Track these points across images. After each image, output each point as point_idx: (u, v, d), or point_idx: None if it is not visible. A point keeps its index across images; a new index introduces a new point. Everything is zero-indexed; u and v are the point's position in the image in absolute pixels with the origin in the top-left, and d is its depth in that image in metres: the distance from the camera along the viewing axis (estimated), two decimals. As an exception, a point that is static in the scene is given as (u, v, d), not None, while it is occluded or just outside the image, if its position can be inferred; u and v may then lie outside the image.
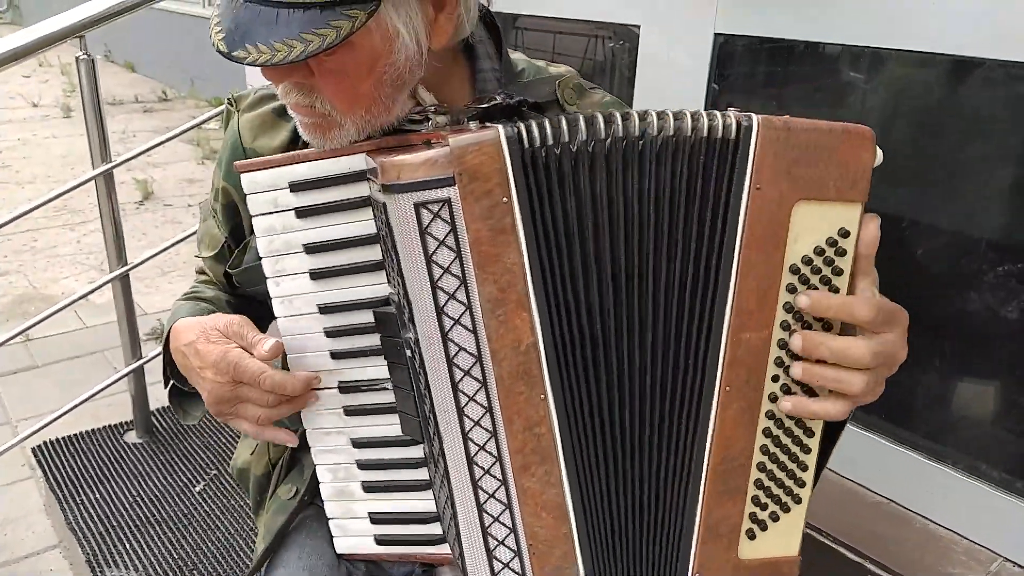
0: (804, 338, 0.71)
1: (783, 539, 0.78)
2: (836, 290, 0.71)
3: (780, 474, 0.76)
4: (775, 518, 0.78)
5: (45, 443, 2.33)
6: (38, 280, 3.65)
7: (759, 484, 0.76)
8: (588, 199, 0.72)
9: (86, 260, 3.88)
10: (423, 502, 0.87)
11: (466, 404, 0.75)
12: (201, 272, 1.11)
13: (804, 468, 0.76)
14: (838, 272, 0.71)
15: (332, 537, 0.93)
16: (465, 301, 0.72)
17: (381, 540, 0.90)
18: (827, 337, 0.71)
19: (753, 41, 1.66)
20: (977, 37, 1.33)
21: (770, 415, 0.75)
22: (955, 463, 1.52)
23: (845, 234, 0.71)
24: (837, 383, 0.72)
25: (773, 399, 0.74)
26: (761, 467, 0.76)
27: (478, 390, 0.74)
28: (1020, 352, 1.43)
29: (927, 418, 1.59)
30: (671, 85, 1.79)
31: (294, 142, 0.95)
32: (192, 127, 2.27)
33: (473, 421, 0.75)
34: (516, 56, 1.00)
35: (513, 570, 0.78)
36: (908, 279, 1.52)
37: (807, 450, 0.76)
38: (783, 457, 0.76)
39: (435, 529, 0.88)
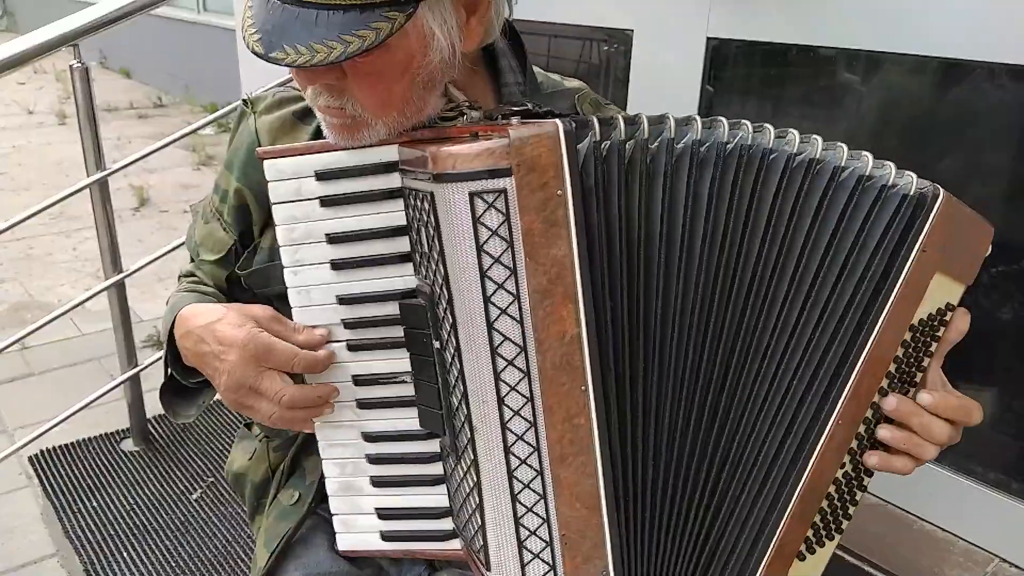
0: (900, 402, 0.76)
1: (817, 564, 0.82)
2: (930, 355, 0.77)
3: (836, 504, 0.79)
4: (821, 544, 0.80)
5: (42, 451, 2.33)
6: (34, 288, 3.65)
7: (821, 513, 0.79)
8: (671, 199, 0.73)
9: (82, 267, 3.88)
10: (434, 497, 0.87)
11: (507, 394, 0.75)
12: (188, 276, 1.07)
13: (855, 503, 0.80)
14: (935, 339, 0.77)
15: (330, 543, 0.93)
16: (514, 291, 0.72)
17: (387, 536, 0.90)
18: (919, 410, 0.76)
19: (746, 45, 1.67)
20: (971, 40, 1.33)
21: (850, 452, 0.78)
22: (953, 465, 1.52)
23: (950, 308, 0.77)
24: (915, 449, 0.76)
25: (858, 439, 0.77)
26: (828, 497, 0.79)
27: (520, 380, 0.74)
28: (1017, 355, 1.43)
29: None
30: (665, 89, 1.80)
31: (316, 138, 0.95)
32: (188, 133, 2.27)
33: (513, 411, 0.75)
34: (535, 71, 1.00)
35: (543, 560, 0.78)
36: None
37: (863, 488, 0.80)
38: (843, 491, 0.79)
39: (444, 525, 0.88)
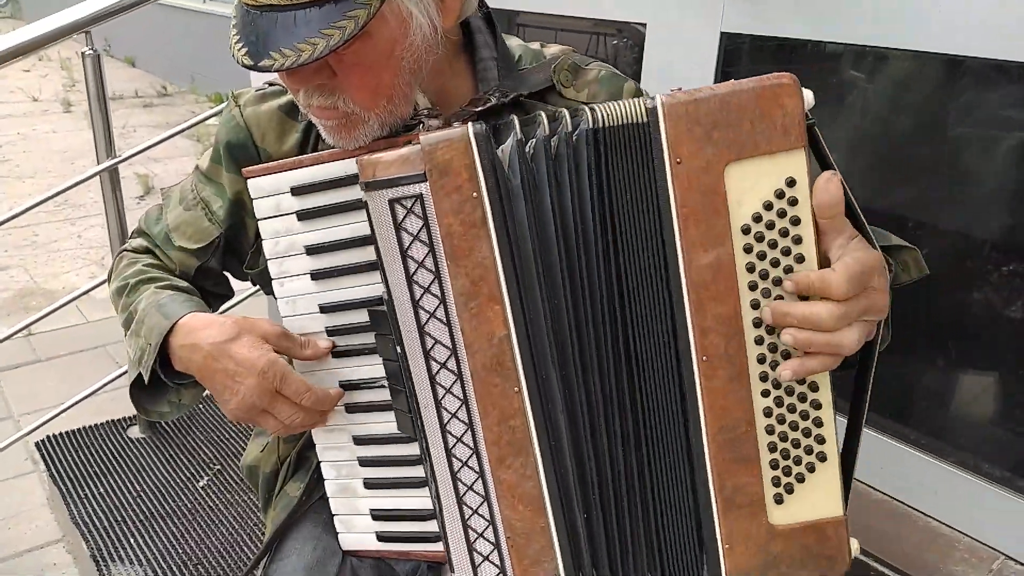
0: (772, 310, 0.71)
1: (819, 500, 0.76)
2: (799, 239, 0.70)
3: (794, 435, 0.75)
4: (801, 479, 0.76)
5: (48, 438, 2.34)
6: (39, 275, 3.65)
7: (772, 448, 0.75)
8: (544, 195, 0.74)
9: (87, 255, 3.88)
10: (420, 499, 0.88)
11: (443, 396, 0.77)
12: (145, 253, 1.03)
13: (819, 424, 0.75)
14: (795, 222, 0.70)
15: (333, 536, 0.94)
16: (439, 294, 0.74)
17: (382, 537, 0.91)
18: (792, 305, 0.70)
19: (759, 40, 1.66)
20: (984, 37, 1.33)
21: (763, 377, 0.74)
22: (957, 461, 1.53)
23: (792, 183, 0.69)
24: (826, 345, 0.70)
25: (761, 361, 0.74)
26: (770, 430, 0.75)
27: (454, 382, 0.76)
28: (1022, 350, 1.43)
29: (929, 416, 1.60)
30: (677, 84, 1.79)
31: (304, 144, 0.96)
32: (197, 123, 2.27)
33: (450, 413, 0.77)
34: (512, 43, 1.00)
35: (492, 563, 0.80)
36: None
37: (817, 405, 0.75)
38: (792, 417, 0.75)
39: (433, 527, 0.89)
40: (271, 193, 0.85)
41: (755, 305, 0.72)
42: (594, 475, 0.78)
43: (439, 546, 0.89)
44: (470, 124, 0.73)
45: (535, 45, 1.02)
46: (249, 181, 0.85)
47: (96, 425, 2.41)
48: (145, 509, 2.07)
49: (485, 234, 0.73)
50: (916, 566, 1.45)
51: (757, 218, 0.70)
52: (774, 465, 0.76)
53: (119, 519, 2.03)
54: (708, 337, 0.73)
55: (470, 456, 0.77)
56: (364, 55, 0.77)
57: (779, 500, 0.77)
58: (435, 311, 0.75)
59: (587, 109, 0.73)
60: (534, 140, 0.73)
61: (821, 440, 0.75)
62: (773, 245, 0.71)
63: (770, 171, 0.69)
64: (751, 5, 1.63)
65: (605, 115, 0.72)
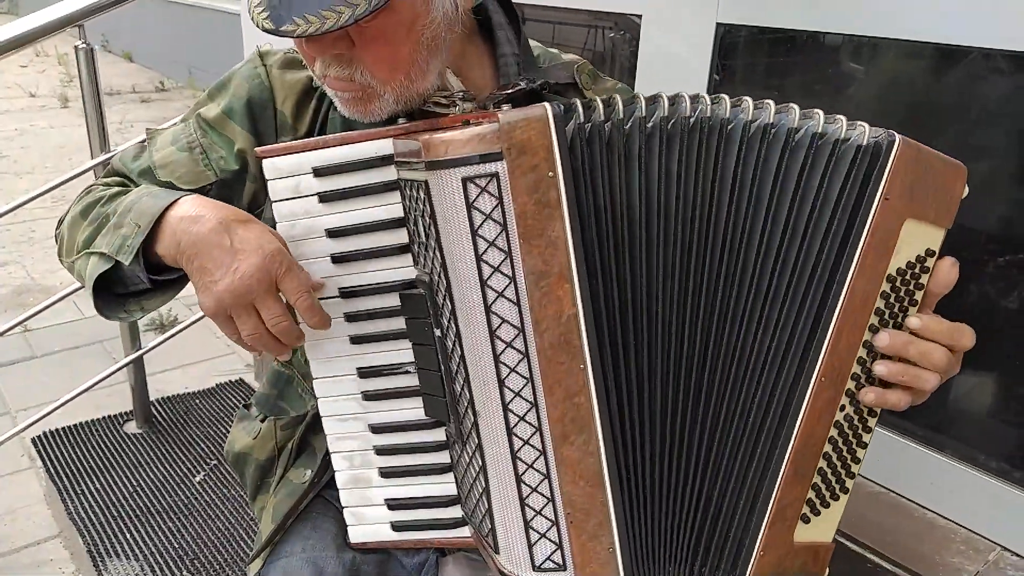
0: (891, 336, 0.75)
1: (826, 526, 0.81)
2: (915, 303, 0.77)
3: (837, 462, 0.79)
4: (825, 505, 0.80)
5: (45, 433, 2.34)
6: (36, 271, 3.64)
7: (820, 472, 0.79)
8: (646, 176, 0.74)
9: (84, 251, 3.87)
10: (442, 486, 0.88)
11: (507, 375, 0.75)
12: (119, 187, 0.95)
13: (856, 461, 0.80)
14: (919, 286, 0.77)
15: (337, 530, 0.93)
16: (510, 273, 0.73)
17: (398, 526, 0.90)
18: (911, 338, 0.76)
19: (755, 31, 1.66)
20: (981, 27, 1.32)
21: (841, 408, 0.78)
22: (954, 453, 1.53)
23: (931, 254, 0.76)
24: (916, 380, 0.76)
25: (848, 395, 0.77)
26: (826, 456, 0.79)
27: (520, 361, 0.75)
28: (1020, 342, 1.43)
29: (926, 408, 1.59)
30: (673, 75, 1.79)
31: (314, 123, 0.95)
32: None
33: (514, 392, 0.76)
34: (532, 44, 1.01)
35: (550, 539, 0.79)
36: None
37: (862, 444, 0.80)
38: (843, 447, 0.79)
39: (454, 512, 0.88)
40: (291, 174, 0.83)
41: (867, 345, 0.77)
42: (648, 456, 0.79)
43: (459, 531, 0.88)
44: (548, 104, 0.72)
45: (553, 50, 1.03)
46: (264, 162, 0.82)
47: (93, 421, 2.41)
48: (142, 505, 2.07)
49: (559, 214, 0.72)
50: (913, 558, 1.44)
51: (900, 272, 0.76)
52: (815, 487, 0.80)
53: (116, 515, 2.03)
54: (832, 360, 0.76)
55: (533, 434, 0.77)
56: (385, 28, 0.78)
57: (806, 520, 0.80)
58: (504, 290, 0.74)
59: (750, 102, 0.74)
60: (590, 125, 0.73)
61: (851, 474, 0.80)
62: (899, 299, 0.77)
63: (925, 237, 0.76)
64: (746, -4, 1.62)
65: (820, 124, 0.75)
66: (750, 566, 0.80)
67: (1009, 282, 1.42)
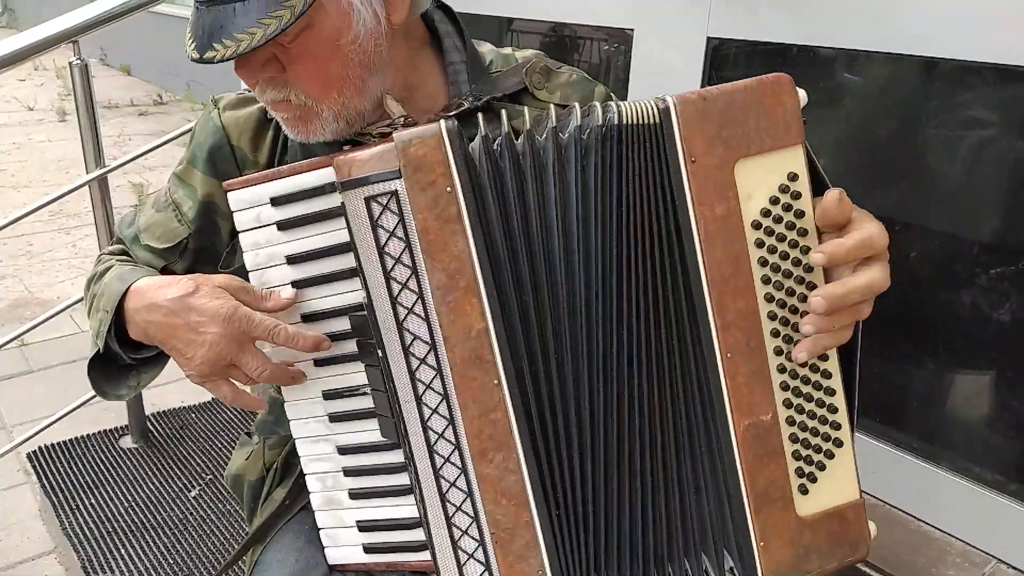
0: (825, 295, 0.69)
1: (839, 485, 0.78)
2: (804, 232, 0.73)
3: (812, 423, 0.76)
4: (822, 467, 0.77)
5: (40, 448, 2.33)
6: (33, 285, 3.64)
7: (794, 439, 0.76)
8: (532, 190, 0.74)
9: (81, 265, 3.87)
10: (406, 508, 0.88)
11: (423, 392, 0.77)
12: (119, 255, 1.02)
13: (834, 411, 0.76)
14: (800, 215, 0.73)
15: (319, 543, 0.93)
16: (417, 289, 0.75)
17: (369, 548, 0.90)
18: (844, 285, 0.70)
19: (746, 44, 1.67)
20: (971, 41, 1.33)
21: (781, 369, 0.75)
22: (950, 465, 1.52)
23: (794, 177, 0.72)
24: (851, 316, 0.72)
25: (778, 353, 0.75)
26: (790, 422, 0.76)
27: (433, 377, 0.76)
28: (1013, 354, 1.43)
29: (921, 420, 1.59)
30: (665, 88, 1.79)
31: (274, 150, 0.97)
32: (189, 131, 2.26)
33: (431, 409, 0.77)
34: (484, 48, 1.01)
35: (478, 560, 0.79)
36: (900, 280, 1.52)
37: (831, 392, 0.76)
38: (809, 406, 0.76)
39: (419, 535, 0.88)
40: (251, 205, 0.85)
41: (769, 298, 0.74)
42: (578, 473, 0.77)
43: (423, 555, 0.88)
44: (442, 120, 0.74)
45: (506, 49, 1.03)
46: (229, 195, 0.85)
47: (88, 436, 2.40)
48: (137, 520, 2.06)
49: (460, 228, 0.73)
50: (909, 570, 1.44)
51: (766, 213, 0.72)
52: (796, 456, 0.77)
53: (111, 530, 2.02)
54: (730, 333, 0.74)
55: (452, 451, 0.77)
56: (309, 46, 0.80)
57: (804, 491, 0.77)
58: (413, 306, 0.75)
59: (598, 107, 0.74)
60: (502, 136, 0.74)
61: (837, 426, 0.77)
62: (781, 239, 0.73)
63: (775, 167, 0.72)
64: (737, 10, 1.63)
65: (623, 112, 0.73)
66: (756, 557, 0.77)
67: (1000, 293, 1.42)
